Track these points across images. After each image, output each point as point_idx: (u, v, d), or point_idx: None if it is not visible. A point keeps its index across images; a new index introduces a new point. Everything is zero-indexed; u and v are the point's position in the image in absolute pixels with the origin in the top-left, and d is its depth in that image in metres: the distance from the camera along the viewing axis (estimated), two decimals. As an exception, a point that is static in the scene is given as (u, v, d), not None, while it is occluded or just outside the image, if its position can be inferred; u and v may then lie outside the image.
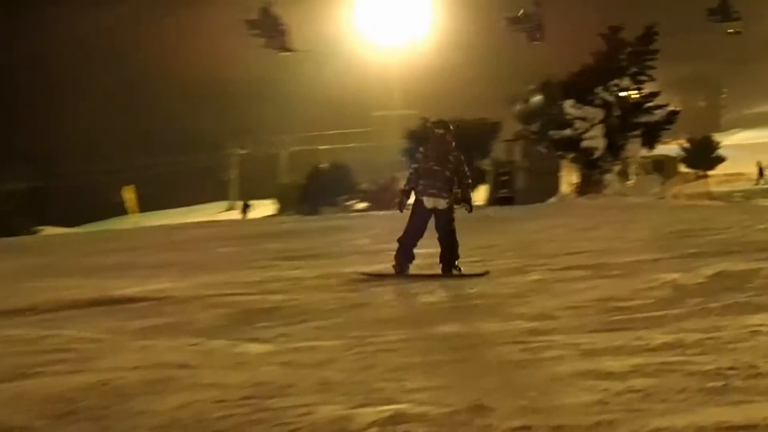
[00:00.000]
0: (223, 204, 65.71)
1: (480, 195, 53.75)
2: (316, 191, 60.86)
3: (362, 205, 60.60)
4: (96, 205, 66.56)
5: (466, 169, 12.98)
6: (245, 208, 43.13)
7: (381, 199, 58.33)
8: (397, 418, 5.03)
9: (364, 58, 67.72)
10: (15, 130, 66.40)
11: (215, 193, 58.86)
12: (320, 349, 7.30)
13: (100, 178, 67.28)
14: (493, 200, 51.72)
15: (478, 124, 55.48)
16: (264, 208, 59.26)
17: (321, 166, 63.67)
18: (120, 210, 44.70)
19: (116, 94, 66.67)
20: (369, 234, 20.41)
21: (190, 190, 64.89)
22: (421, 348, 7.23)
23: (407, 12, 70.25)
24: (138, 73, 64.79)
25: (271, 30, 43.60)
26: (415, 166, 13.04)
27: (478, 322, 8.35)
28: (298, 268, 14.24)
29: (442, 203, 12.72)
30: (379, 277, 12.62)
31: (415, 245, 12.92)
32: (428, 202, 12.75)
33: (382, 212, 39.51)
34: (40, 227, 62.02)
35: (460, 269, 12.73)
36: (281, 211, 61.38)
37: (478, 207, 47.68)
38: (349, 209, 58.19)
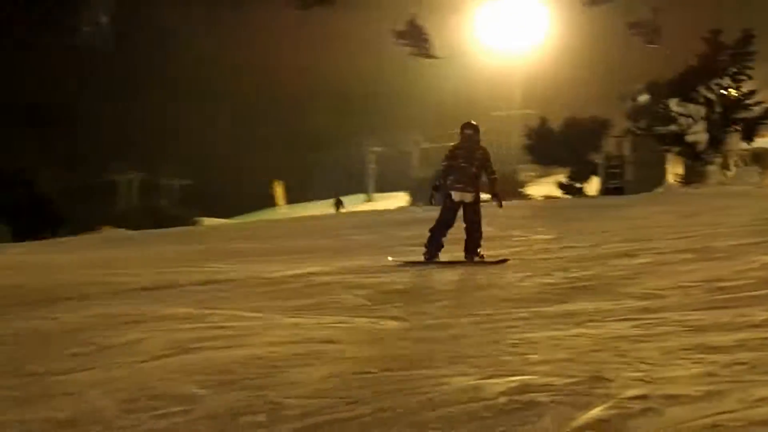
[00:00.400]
0: (362, 196, 66.10)
1: (593, 186, 53.29)
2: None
3: (486, 196, 60.39)
4: (247, 198, 67.74)
5: (492, 164, 13.23)
6: (338, 204, 42.89)
7: (502, 190, 57.99)
8: (523, 388, 4.99)
9: (486, 62, 67.41)
10: (172, 134, 67.92)
11: (354, 186, 59.04)
12: (451, 325, 7.28)
13: (250, 175, 68.50)
14: (605, 191, 51.00)
15: (590, 121, 55.22)
16: (397, 200, 59.43)
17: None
18: (269, 202, 45.41)
19: (268, 100, 67.54)
20: (494, 222, 20.26)
21: (331, 183, 65.48)
22: (542, 324, 7.16)
23: (525, 20, 69.70)
24: (286, 79, 65.58)
25: (417, 39, 43.85)
26: (445, 163, 13.26)
27: (593, 301, 8.24)
28: (428, 253, 14.22)
29: (468, 197, 13.00)
30: (411, 264, 12.72)
31: (444, 235, 13.15)
32: (456, 196, 13.03)
33: (504, 202, 39.15)
34: (200, 218, 63.37)
35: (482, 256, 12.88)
36: (412, 203, 61.53)
37: (592, 197, 47.03)
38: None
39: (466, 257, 12.93)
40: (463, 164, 13.03)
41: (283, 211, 46.90)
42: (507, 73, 69.52)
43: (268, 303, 9.09)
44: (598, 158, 53.91)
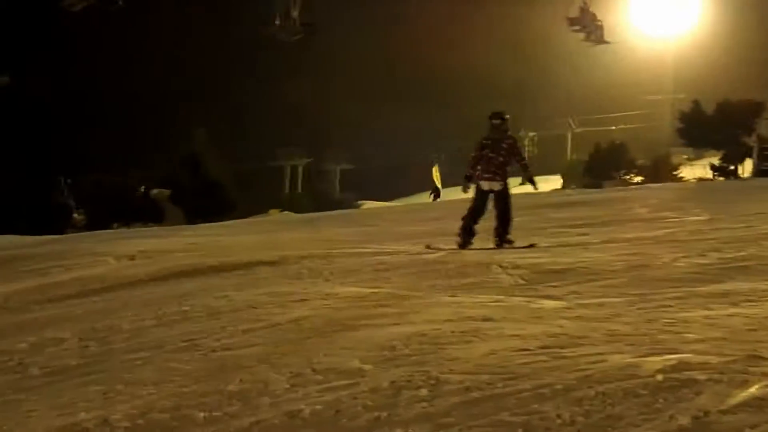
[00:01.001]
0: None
1: (746, 168, 51.47)
2: (597, 167, 60.13)
3: (638, 178, 59.13)
4: (405, 183, 68.11)
5: (520, 151, 13.39)
6: (435, 195, 42.30)
7: (656, 173, 56.87)
8: (680, 366, 4.83)
9: (638, 48, 65.88)
10: (335, 121, 68.73)
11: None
12: (607, 305, 7.12)
13: (406, 161, 68.97)
14: (758, 172, 49.14)
15: (743, 104, 53.40)
16: (551, 183, 58.79)
17: (602, 144, 62.70)
18: (426, 186, 45.52)
19: (428, 89, 67.61)
20: (647, 203, 19.78)
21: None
22: (697, 304, 6.93)
23: (677, 5, 67.73)
24: (447, 68, 65.57)
25: (590, 25, 43.23)
26: (473, 154, 13.27)
27: (748, 281, 7.92)
28: (584, 234, 14.01)
29: (497, 185, 13.05)
30: (443, 250, 12.57)
31: (476, 223, 13.17)
32: (485, 185, 13.10)
33: (657, 184, 38.19)
34: (361, 202, 64.16)
35: (511, 242, 12.87)
36: (566, 185, 60.77)
37: (745, 179, 45.33)
38: (627, 182, 56.82)
39: (496, 242, 12.98)
40: (490, 154, 13.08)
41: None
42: (660, 58, 67.80)
43: (427, 282, 9.10)
44: (750, 141, 52.06)
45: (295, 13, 43.97)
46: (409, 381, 5.00)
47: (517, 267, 9.71)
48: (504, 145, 13.14)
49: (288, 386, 5.16)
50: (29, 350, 7.34)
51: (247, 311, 7.89)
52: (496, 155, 13.09)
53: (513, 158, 13.29)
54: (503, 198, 13.15)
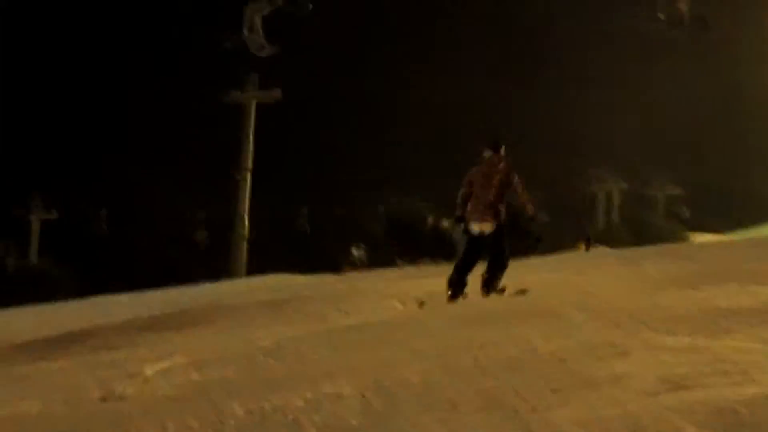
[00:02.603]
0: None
1: None
2: None
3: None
4: (745, 211, 65.71)
5: (519, 185, 13.17)
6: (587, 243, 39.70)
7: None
8: None
9: None
10: (657, 138, 67.25)
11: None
12: None
13: (745, 186, 66.60)
14: None
15: None
16: None
17: None
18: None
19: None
20: None
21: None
22: None
23: None
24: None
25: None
26: (462, 191, 13.31)
27: None
28: None
29: (487, 227, 13.21)
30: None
31: (465, 273, 13.36)
32: (474, 228, 13.23)
33: None
34: (692, 233, 62.49)
35: (502, 290, 13.13)
36: None
37: None
38: None
39: (482, 292, 13.16)
40: (479, 190, 13.13)
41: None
42: None
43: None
44: None
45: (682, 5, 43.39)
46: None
47: None
48: (496, 179, 13.24)
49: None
50: (305, 407, 7.63)
51: (555, 365, 7.85)
52: (486, 192, 13.22)
53: (509, 194, 13.35)
54: (496, 241, 13.29)
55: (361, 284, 19.01)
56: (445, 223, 53.28)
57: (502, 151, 13.71)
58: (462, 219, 13.76)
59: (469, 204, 13.56)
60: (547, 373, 7.55)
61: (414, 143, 56.92)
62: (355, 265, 48.00)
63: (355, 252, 53.19)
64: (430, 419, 6.56)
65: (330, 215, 55.07)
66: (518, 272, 19.47)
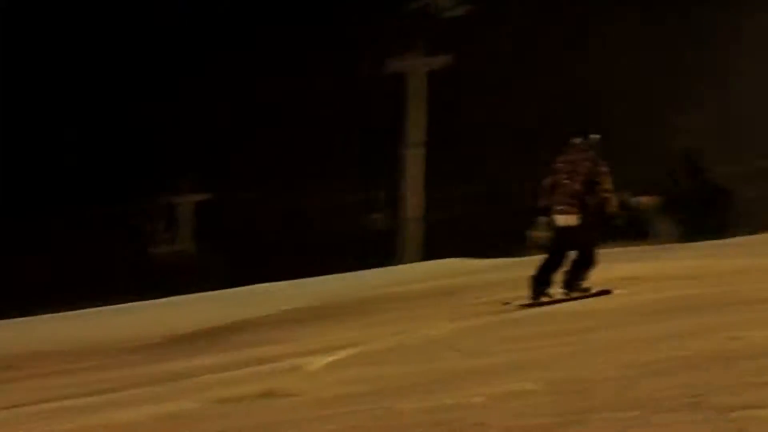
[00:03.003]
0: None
1: None
2: None
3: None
4: None
5: (604, 177, 13.28)
6: None
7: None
8: None
9: None
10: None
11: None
12: None
13: None
14: None
15: None
16: None
17: None
18: None
19: None
20: None
21: None
22: None
23: None
24: None
25: None
26: (546, 180, 13.58)
27: None
28: None
29: (572, 219, 13.41)
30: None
31: (551, 271, 13.63)
32: (559, 220, 13.49)
33: None
34: None
35: (586, 290, 13.41)
36: None
37: None
38: None
39: (563, 290, 13.49)
40: (565, 180, 13.43)
41: None
42: None
43: None
44: None
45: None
46: None
47: None
48: (582, 168, 13.47)
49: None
50: (487, 404, 7.66)
51: (766, 356, 7.70)
52: (572, 182, 13.47)
53: (594, 185, 13.41)
54: (580, 235, 13.48)
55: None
56: (638, 199, 52.46)
57: (592, 139, 13.91)
58: (547, 210, 13.95)
59: (555, 196, 13.75)
60: (760, 366, 7.41)
61: (607, 118, 56.33)
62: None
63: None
64: (627, 418, 6.51)
65: (509, 193, 54.83)
66: (705, 257, 19.09)
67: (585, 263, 13.81)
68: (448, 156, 54.48)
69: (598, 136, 13.86)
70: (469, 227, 52.04)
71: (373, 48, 55.23)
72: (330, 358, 11.30)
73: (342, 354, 11.54)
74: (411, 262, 47.62)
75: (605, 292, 13.52)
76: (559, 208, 13.80)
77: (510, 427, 6.87)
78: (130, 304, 27.83)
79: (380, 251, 47.99)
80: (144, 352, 15.92)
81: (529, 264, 22.18)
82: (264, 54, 60.63)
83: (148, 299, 28.93)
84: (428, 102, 55.98)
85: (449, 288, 17.65)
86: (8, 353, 16.80)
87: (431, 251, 43.71)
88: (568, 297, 13.74)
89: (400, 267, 37.13)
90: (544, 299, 13.85)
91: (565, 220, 13.75)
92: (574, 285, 13.84)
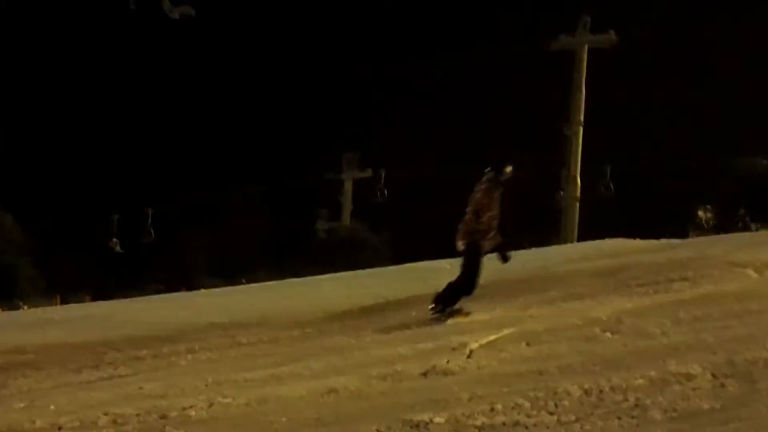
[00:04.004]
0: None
1: None
2: None
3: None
4: None
5: (474, 204, 14.30)
6: None
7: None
8: None
9: None
10: None
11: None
12: None
13: None
14: None
15: None
16: None
17: None
18: None
19: None
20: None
21: None
22: None
23: None
24: None
25: None
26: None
27: None
28: None
29: (459, 245, 14.47)
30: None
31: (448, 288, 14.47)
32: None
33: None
34: None
35: (450, 314, 14.11)
36: None
37: None
38: None
39: (433, 306, 14.34)
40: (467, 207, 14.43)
41: None
42: None
43: None
44: None
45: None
46: None
47: None
48: (473, 197, 14.45)
49: None
50: (648, 387, 7.58)
51: None
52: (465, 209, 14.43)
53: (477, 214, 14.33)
54: (464, 260, 14.44)
55: (709, 251, 18.52)
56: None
57: (490, 171, 14.67)
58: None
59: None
60: None
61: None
62: (701, 229, 46.91)
63: (701, 214, 51.89)
64: (795, 405, 6.39)
65: (673, 172, 53.89)
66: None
67: (460, 287, 14.49)
68: (604, 135, 53.87)
69: (509, 168, 14.66)
70: (629, 207, 51.44)
71: (539, 25, 54.91)
72: (490, 337, 11.28)
73: (502, 333, 11.51)
74: (570, 241, 47.26)
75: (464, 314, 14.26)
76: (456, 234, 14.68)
77: (671, 411, 6.79)
78: (290, 279, 28.14)
79: (542, 230, 47.74)
80: (306, 328, 16.07)
81: (692, 246, 21.87)
82: (428, 31, 60.85)
83: (309, 275, 29.24)
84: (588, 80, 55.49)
85: (611, 268, 17.41)
86: (174, 327, 17.16)
87: (590, 231, 43.30)
88: (435, 313, 14.42)
89: (561, 246, 36.82)
90: None
91: (457, 245, 14.60)
92: (439, 302, 14.50)
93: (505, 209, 14.65)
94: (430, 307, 14.62)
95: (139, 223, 61.90)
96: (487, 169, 14.74)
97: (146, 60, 64.05)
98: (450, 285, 14.65)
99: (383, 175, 59.48)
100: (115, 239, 61.96)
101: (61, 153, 63.91)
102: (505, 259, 14.82)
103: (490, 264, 14.54)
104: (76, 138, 63.89)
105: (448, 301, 14.56)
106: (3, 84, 61.07)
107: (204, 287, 32.98)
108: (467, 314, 14.34)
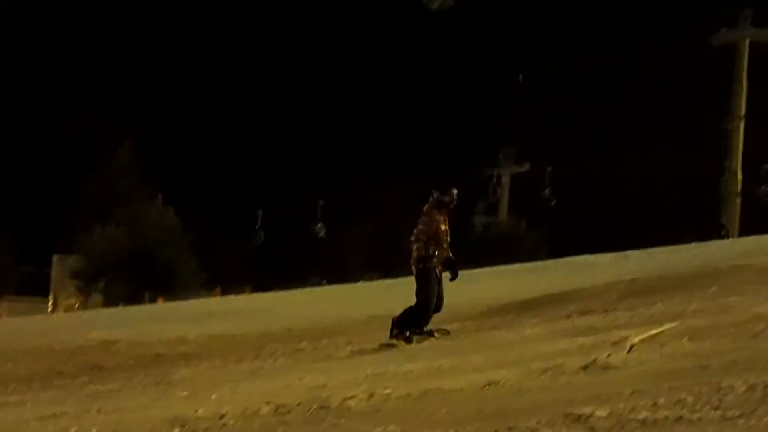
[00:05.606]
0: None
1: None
2: None
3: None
4: None
5: (421, 233, 14.52)
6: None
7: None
8: None
9: None
10: None
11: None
12: None
13: None
14: None
15: None
16: None
17: None
18: None
19: None
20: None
21: None
22: None
23: None
24: None
25: None
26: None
27: None
28: None
29: (412, 269, 14.61)
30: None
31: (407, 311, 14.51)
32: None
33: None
34: None
35: (407, 339, 14.15)
36: None
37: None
38: None
39: (394, 331, 14.26)
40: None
41: None
42: None
43: None
44: None
45: None
46: None
47: None
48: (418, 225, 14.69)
49: None
50: None
51: None
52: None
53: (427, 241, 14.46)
54: (416, 284, 14.45)
55: None
56: None
57: (436, 194, 14.83)
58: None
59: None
60: None
61: None
62: None
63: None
64: None
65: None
66: None
67: (416, 312, 14.47)
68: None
69: (454, 191, 14.85)
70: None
71: (699, 20, 53.99)
72: (652, 332, 11.14)
73: (663, 328, 11.36)
74: (732, 237, 46.39)
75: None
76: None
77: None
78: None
79: (704, 225, 47.01)
80: (465, 322, 16.11)
81: None
82: (586, 27, 60.33)
83: (466, 270, 29.30)
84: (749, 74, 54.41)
85: (774, 264, 17.08)
86: (334, 319, 17.37)
87: (752, 226, 42.49)
88: (392, 337, 14.45)
89: (723, 242, 36.18)
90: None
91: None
92: (397, 326, 14.49)
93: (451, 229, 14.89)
94: (392, 334, 14.67)
95: (305, 218, 62.36)
96: (433, 193, 14.97)
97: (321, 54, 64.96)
98: (408, 309, 14.70)
99: (549, 172, 58.61)
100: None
101: (222, 146, 65.17)
102: (454, 275, 14.98)
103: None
104: (240, 132, 65.08)
105: (405, 325, 14.58)
106: (169, 80, 62.65)
107: (363, 281, 33.25)
108: (440, 336, 14.60)
